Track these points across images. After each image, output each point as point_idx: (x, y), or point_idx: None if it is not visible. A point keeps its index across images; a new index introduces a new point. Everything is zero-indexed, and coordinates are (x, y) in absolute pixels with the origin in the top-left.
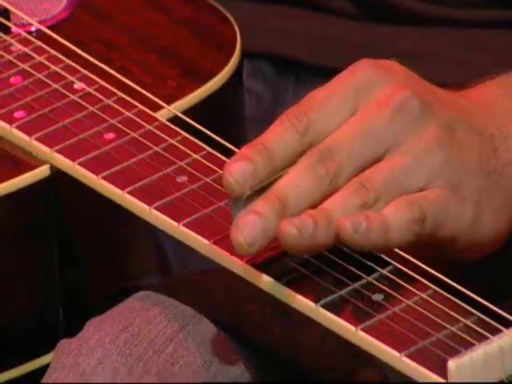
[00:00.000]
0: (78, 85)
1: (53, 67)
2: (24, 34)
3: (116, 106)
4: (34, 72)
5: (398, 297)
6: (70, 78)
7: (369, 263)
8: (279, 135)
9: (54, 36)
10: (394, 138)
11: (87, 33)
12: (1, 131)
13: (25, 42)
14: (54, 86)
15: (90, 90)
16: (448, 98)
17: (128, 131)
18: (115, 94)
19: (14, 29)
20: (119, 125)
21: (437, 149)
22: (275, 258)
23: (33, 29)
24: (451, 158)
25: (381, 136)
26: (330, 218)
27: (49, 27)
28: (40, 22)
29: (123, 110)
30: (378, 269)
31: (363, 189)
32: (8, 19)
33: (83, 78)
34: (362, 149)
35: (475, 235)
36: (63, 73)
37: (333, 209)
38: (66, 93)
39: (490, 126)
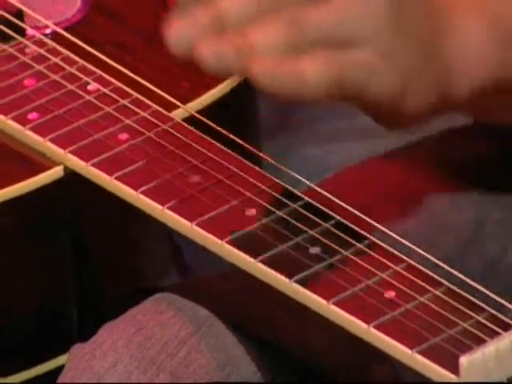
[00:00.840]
0: (92, 86)
1: (67, 68)
2: (38, 35)
3: (130, 106)
4: (48, 73)
5: (410, 293)
6: (85, 78)
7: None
8: None
9: (69, 37)
10: None
11: (101, 34)
12: (15, 133)
13: (39, 43)
14: (69, 87)
15: (105, 90)
16: None
17: (142, 131)
18: (129, 94)
19: (28, 30)
20: (133, 125)
21: (383, 6)
22: (286, 255)
23: (47, 31)
24: (393, 24)
25: None
26: (253, 50)
27: (63, 29)
28: (54, 24)
29: (137, 110)
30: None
31: (296, 28)
32: (22, 21)
33: (97, 79)
34: None
35: (400, 107)
36: (77, 74)
37: (259, 41)
38: (81, 94)
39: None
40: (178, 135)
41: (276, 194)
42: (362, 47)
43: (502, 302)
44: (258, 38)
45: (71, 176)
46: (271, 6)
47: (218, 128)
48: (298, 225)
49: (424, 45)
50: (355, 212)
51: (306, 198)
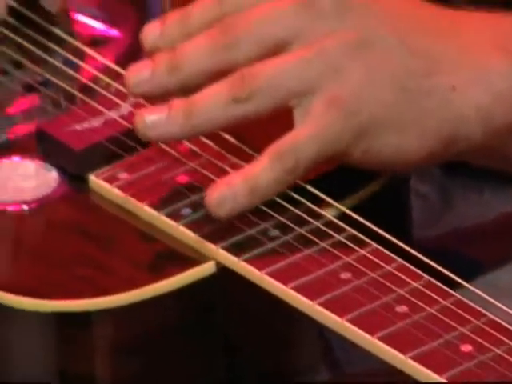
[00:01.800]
0: None
1: (219, 165)
2: None
3: (279, 201)
4: (200, 170)
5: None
6: (227, 169)
7: None
8: (201, 3)
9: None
10: (296, 32)
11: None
12: (168, 228)
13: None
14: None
15: None
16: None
17: (293, 227)
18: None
19: None
20: (286, 222)
21: (333, 52)
22: (437, 352)
23: None
24: (350, 67)
25: (282, 23)
26: (192, 113)
27: None
28: None
29: (288, 207)
30: None
31: (240, 83)
32: None
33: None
34: (260, 29)
35: (371, 158)
36: (228, 169)
37: (201, 101)
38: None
39: (437, 46)
40: (329, 231)
41: (425, 290)
42: (313, 93)
43: None
44: (199, 100)
45: (223, 271)
46: (224, 54)
47: (370, 225)
48: (449, 322)
49: (403, 81)
50: (447, 273)
51: (458, 296)
